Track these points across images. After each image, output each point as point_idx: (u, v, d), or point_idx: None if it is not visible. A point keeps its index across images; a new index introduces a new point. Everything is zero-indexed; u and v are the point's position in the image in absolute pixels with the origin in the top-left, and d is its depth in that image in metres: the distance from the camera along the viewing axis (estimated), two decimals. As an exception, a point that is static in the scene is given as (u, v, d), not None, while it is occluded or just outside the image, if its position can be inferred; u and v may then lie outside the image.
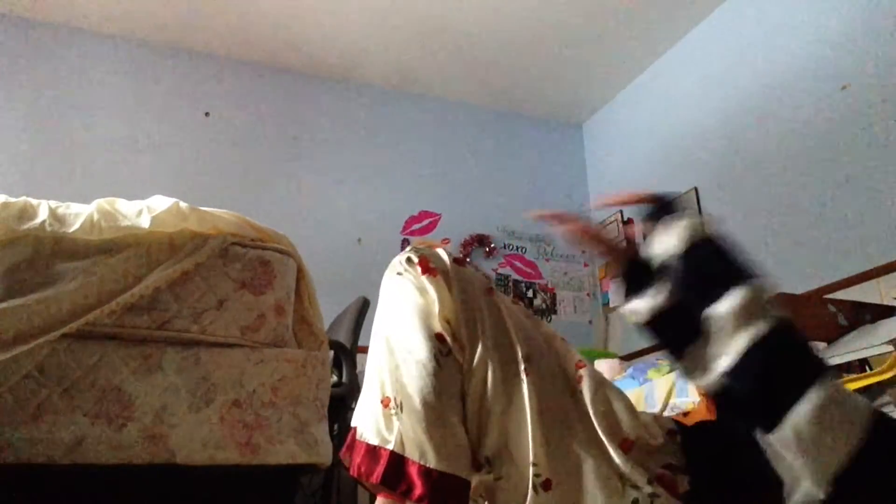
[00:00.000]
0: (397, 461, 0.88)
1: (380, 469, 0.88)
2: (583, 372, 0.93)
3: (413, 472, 0.86)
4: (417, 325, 0.91)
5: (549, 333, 0.99)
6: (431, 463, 0.86)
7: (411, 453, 0.87)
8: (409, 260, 0.96)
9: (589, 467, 0.86)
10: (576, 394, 0.92)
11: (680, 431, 0.92)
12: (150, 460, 1.28)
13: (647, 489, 0.85)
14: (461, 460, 0.88)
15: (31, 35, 3.41)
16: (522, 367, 0.90)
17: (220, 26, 3.55)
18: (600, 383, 0.93)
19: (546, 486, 0.85)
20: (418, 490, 0.85)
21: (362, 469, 0.90)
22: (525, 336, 0.94)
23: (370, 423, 0.92)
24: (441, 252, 0.97)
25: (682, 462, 0.89)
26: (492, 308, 0.95)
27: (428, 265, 0.94)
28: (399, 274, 0.96)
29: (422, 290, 0.93)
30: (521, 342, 0.92)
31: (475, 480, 0.92)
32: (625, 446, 0.88)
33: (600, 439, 0.88)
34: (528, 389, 0.88)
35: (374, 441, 0.91)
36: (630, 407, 0.92)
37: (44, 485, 1.28)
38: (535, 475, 0.85)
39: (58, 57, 3.43)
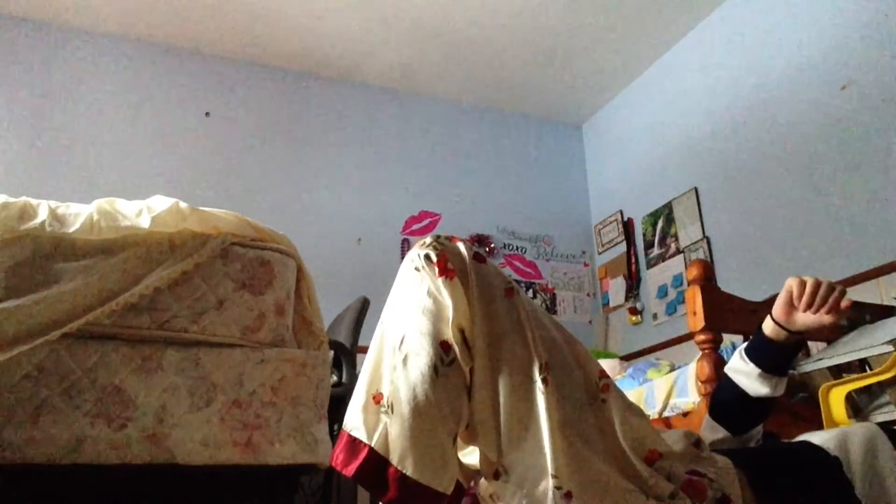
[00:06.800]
0: (375, 459, 0.86)
1: (356, 464, 0.87)
2: (607, 381, 0.91)
3: (389, 474, 0.85)
4: (424, 329, 0.88)
5: (571, 338, 0.96)
6: (409, 470, 0.84)
7: (392, 456, 0.86)
8: (427, 257, 0.91)
9: (611, 480, 0.85)
10: (596, 402, 0.90)
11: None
12: (150, 460, 1.27)
13: (671, 502, 0.84)
14: (442, 473, 0.86)
15: (31, 35, 3.40)
16: (541, 376, 0.87)
17: (221, 26, 3.55)
18: (624, 396, 0.92)
19: (567, 497, 0.83)
20: (391, 493, 0.84)
21: (339, 459, 0.90)
22: (546, 342, 0.90)
23: (357, 414, 0.91)
24: (461, 247, 0.93)
25: (709, 471, 0.90)
26: (510, 312, 0.91)
27: (446, 266, 0.90)
28: (417, 270, 0.92)
29: (436, 294, 0.89)
30: (540, 349, 0.89)
31: (486, 487, 0.92)
32: (650, 458, 0.87)
33: (623, 451, 0.87)
34: (546, 399, 0.85)
35: (356, 434, 0.89)
36: (648, 420, 0.92)
37: (44, 485, 1.28)
38: (556, 487, 0.83)
39: (58, 57, 3.43)
